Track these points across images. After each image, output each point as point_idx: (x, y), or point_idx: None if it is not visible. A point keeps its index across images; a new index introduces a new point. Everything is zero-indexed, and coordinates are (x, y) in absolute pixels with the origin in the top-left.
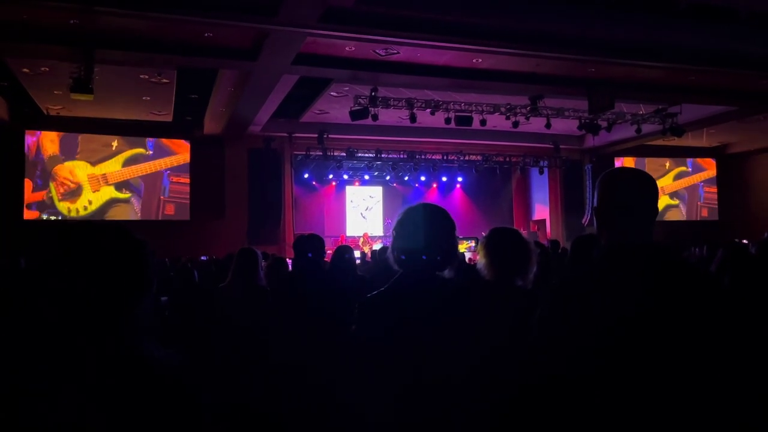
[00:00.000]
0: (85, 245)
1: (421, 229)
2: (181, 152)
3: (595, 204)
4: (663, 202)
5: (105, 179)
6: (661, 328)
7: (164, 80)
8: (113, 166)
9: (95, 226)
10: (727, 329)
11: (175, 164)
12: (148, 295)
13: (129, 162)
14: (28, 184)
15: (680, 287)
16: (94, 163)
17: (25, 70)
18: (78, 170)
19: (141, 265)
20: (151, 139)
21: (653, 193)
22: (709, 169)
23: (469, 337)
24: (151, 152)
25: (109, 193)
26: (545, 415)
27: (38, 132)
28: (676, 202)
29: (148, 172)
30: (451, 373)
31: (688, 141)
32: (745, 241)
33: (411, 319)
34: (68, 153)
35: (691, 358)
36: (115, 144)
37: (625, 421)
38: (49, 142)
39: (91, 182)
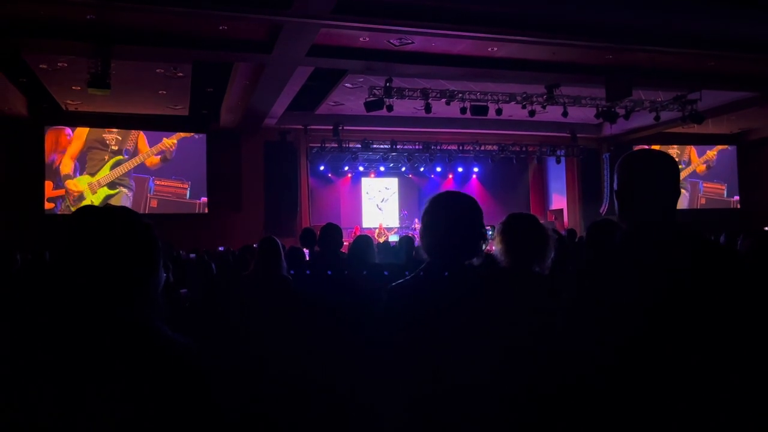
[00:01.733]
0: (92, 223)
1: (451, 219)
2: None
3: (615, 187)
4: None
5: (99, 183)
6: (693, 308)
7: (180, 74)
8: (104, 172)
9: (102, 209)
10: (760, 308)
11: (143, 163)
12: (156, 273)
13: (113, 166)
14: (48, 185)
15: (710, 266)
16: (92, 175)
17: (43, 66)
18: (80, 183)
19: (147, 241)
20: (129, 147)
21: (674, 173)
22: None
23: (498, 326)
24: (126, 157)
25: (104, 192)
26: (574, 409)
27: (59, 154)
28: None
29: (126, 170)
30: (482, 367)
31: (708, 128)
32: (767, 228)
33: (440, 307)
34: (80, 171)
35: (722, 338)
36: (106, 157)
37: (657, 410)
38: (64, 166)
39: (90, 188)
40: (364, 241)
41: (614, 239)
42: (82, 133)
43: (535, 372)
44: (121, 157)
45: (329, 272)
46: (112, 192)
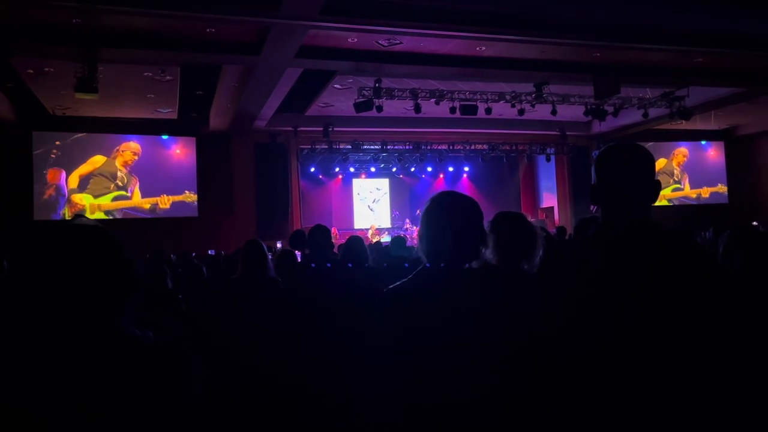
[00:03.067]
0: (58, 246)
1: (451, 222)
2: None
3: (593, 181)
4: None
5: (99, 207)
6: (660, 307)
7: (168, 77)
8: (105, 200)
9: (70, 227)
10: (728, 303)
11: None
12: (122, 282)
13: (115, 198)
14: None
15: (678, 263)
16: (95, 197)
17: (29, 71)
18: (84, 199)
19: (112, 255)
20: (132, 186)
21: (650, 169)
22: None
23: (493, 326)
24: (129, 194)
25: (99, 215)
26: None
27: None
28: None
29: (126, 206)
30: (479, 369)
31: (696, 124)
32: (755, 223)
33: (437, 310)
34: (82, 188)
35: (692, 336)
36: (111, 186)
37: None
38: (71, 181)
39: (90, 209)
40: (356, 241)
41: (587, 236)
42: (97, 161)
43: (530, 373)
44: (125, 192)
45: (350, 264)
46: (105, 218)
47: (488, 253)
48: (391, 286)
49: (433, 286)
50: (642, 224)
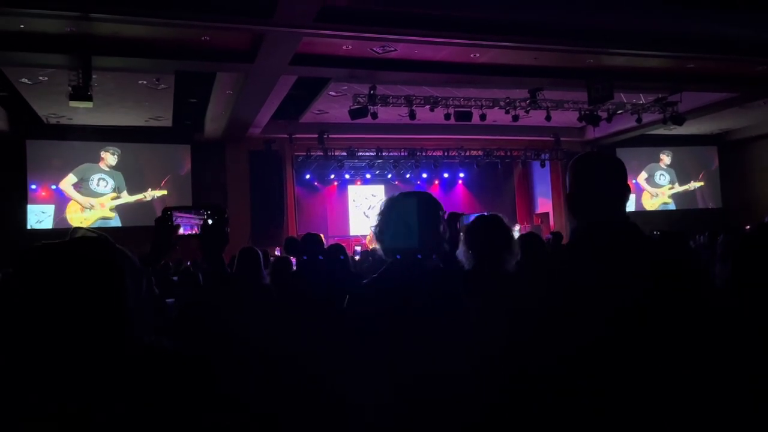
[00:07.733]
0: (41, 264)
1: (409, 220)
2: None
3: (567, 190)
4: (660, 201)
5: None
6: (638, 308)
7: (162, 86)
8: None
9: (56, 245)
10: (704, 302)
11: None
12: (124, 292)
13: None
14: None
15: (652, 263)
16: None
17: (23, 79)
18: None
19: (108, 270)
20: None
21: (621, 176)
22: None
23: (458, 322)
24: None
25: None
26: (538, 407)
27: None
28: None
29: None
30: (443, 362)
31: (689, 129)
32: (748, 227)
33: (402, 305)
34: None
35: (669, 335)
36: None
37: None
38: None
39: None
40: (337, 250)
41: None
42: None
43: (491, 372)
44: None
45: (320, 257)
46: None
47: (462, 254)
48: (357, 287)
49: (390, 283)
50: (618, 223)
